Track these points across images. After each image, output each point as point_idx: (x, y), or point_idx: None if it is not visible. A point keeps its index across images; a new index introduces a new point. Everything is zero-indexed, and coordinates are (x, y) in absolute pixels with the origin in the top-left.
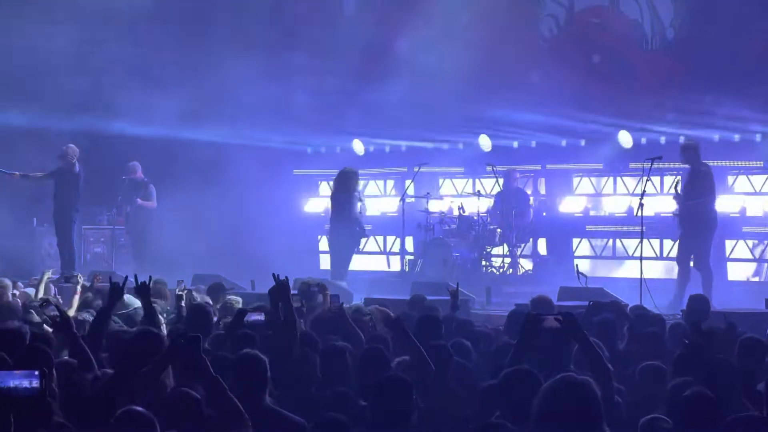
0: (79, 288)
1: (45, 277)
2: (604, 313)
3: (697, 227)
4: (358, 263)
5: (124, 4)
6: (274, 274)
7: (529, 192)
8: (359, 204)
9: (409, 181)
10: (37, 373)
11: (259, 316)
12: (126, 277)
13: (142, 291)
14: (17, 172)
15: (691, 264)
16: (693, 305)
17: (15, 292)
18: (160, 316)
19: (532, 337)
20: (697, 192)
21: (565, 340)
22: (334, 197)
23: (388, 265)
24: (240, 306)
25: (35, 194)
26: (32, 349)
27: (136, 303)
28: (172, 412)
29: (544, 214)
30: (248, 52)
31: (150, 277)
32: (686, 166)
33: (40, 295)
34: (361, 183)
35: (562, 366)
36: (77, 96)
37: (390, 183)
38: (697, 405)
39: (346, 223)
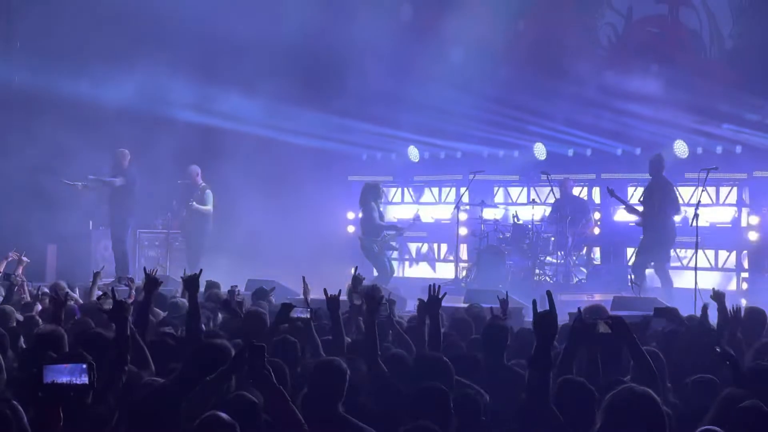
0: (133, 292)
1: (96, 280)
2: (665, 324)
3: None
4: (411, 270)
5: None
6: (324, 290)
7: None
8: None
9: (464, 188)
10: (84, 366)
11: (305, 313)
12: (201, 270)
13: (190, 284)
14: (80, 183)
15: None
16: (750, 319)
17: (75, 294)
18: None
19: (581, 342)
20: (665, 203)
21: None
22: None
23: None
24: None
25: (92, 197)
26: (73, 350)
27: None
28: (231, 415)
29: (599, 223)
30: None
31: (200, 269)
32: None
33: (93, 297)
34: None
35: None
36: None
37: (445, 190)
38: (751, 418)
39: (366, 234)
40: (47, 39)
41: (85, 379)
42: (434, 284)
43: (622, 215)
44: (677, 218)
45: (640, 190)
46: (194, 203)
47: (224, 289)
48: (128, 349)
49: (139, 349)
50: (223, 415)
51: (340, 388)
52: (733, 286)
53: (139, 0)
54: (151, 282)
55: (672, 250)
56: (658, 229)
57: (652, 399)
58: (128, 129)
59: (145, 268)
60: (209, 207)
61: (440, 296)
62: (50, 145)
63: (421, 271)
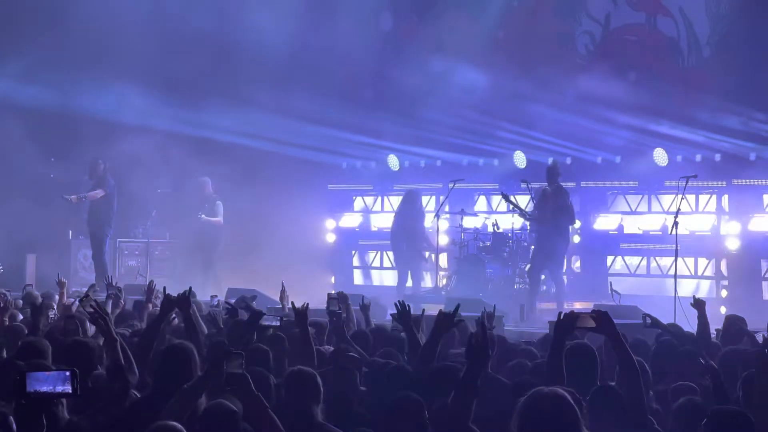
0: (121, 301)
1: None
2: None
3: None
4: (390, 279)
5: None
6: (293, 303)
7: None
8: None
9: (443, 197)
10: (68, 374)
11: (275, 322)
12: (190, 288)
13: (183, 303)
14: (74, 196)
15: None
16: (729, 327)
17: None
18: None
19: (567, 335)
20: (558, 211)
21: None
22: (401, 215)
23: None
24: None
25: (71, 206)
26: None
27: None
28: (210, 424)
29: (578, 231)
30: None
31: (190, 287)
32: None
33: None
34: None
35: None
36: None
37: (425, 199)
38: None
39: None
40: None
41: (68, 387)
42: (401, 300)
43: (602, 223)
44: (572, 227)
45: (621, 198)
46: (203, 215)
47: (201, 297)
48: (116, 349)
49: (123, 350)
50: (174, 423)
51: (315, 395)
52: (712, 293)
53: (110, 9)
54: (185, 301)
55: (653, 259)
56: (551, 235)
57: (559, 397)
58: (109, 139)
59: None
60: (220, 218)
61: (408, 309)
62: (29, 153)
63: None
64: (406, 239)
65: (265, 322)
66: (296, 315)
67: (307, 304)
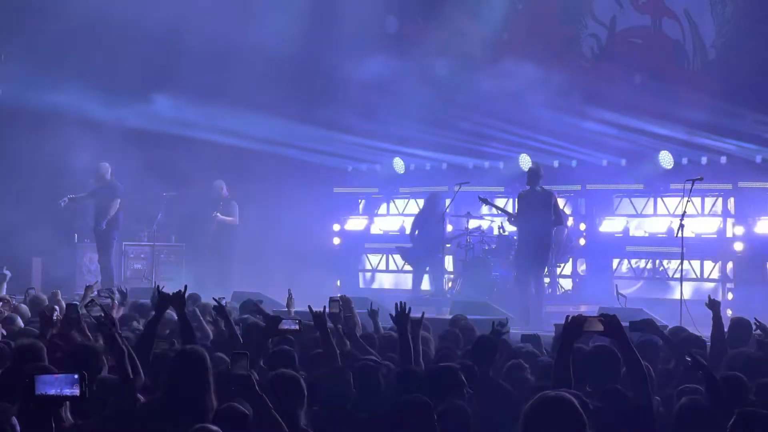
0: (116, 302)
1: (88, 293)
2: (646, 334)
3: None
4: (394, 282)
5: None
6: (309, 307)
7: (568, 212)
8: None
9: (449, 200)
10: (76, 377)
11: (294, 325)
12: (185, 286)
13: (177, 301)
14: (66, 198)
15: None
16: (735, 329)
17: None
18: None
19: (574, 338)
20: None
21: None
22: (422, 217)
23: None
24: None
25: (76, 210)
26: (53, 362)
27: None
28: (221, 426)
29: (584, 234)
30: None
31: (185, 285)
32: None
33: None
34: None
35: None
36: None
37: None
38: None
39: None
40: (31, 52)
41: (76, 390)
42: (401, 302)
43: (607, 226)
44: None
45: (626, 201)
46: (218, 215)
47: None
48: (124, 357)
49: (130, 357)
50: (214, 428)
51: (299, 400)
52: (718, 296)
53: (117, 12)
54: (179, 298)
55: (658, 262)
56: (533, 238)
57: (565, 401)
58: (116, 142)
59: (158, 286)
60: (235, 218)
61: (407, 312)
62: (35, 157)
63: (407, 282)
64: (427, 242)
65: (284, 326)
66: (315, 318)
67: (325, 307)
